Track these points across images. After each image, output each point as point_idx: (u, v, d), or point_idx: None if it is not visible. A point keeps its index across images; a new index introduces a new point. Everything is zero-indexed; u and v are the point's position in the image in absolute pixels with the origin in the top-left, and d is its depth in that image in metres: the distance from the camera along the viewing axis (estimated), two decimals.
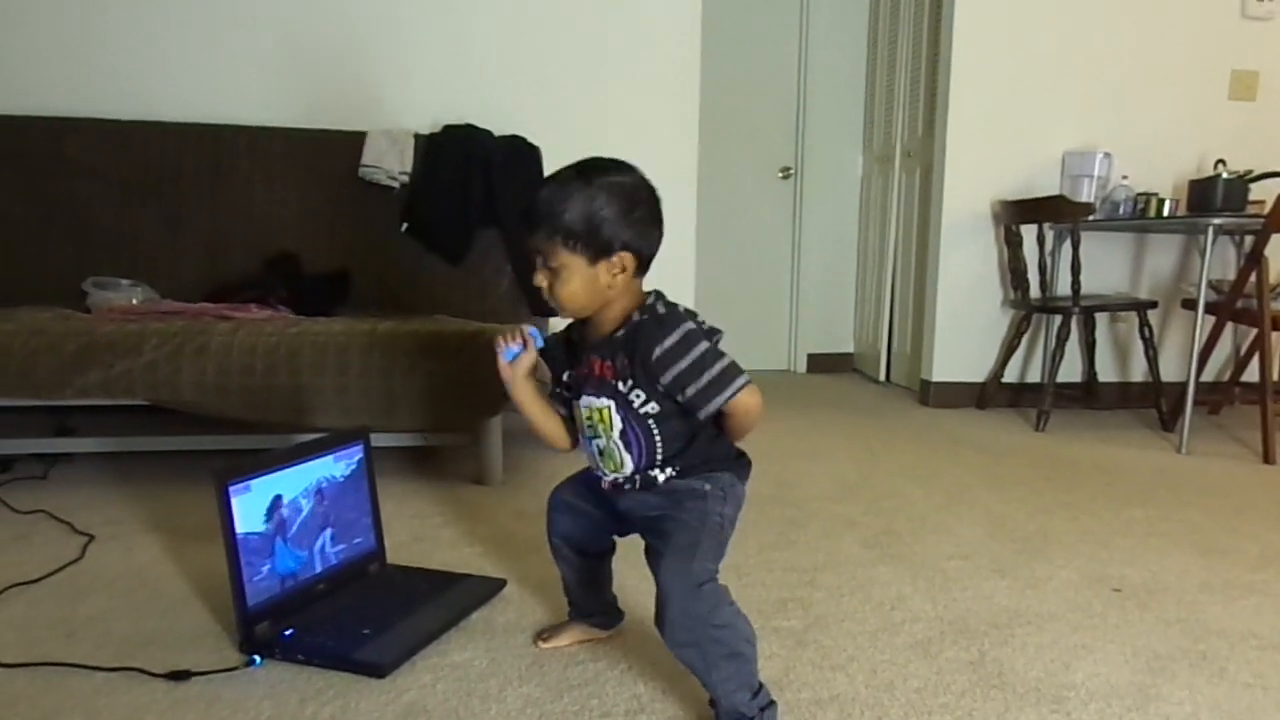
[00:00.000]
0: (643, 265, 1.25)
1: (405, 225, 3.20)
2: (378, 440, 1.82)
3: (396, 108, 3.44)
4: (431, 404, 2.33)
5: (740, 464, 1.32)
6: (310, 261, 3.11)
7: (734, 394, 1.20)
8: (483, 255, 3.21)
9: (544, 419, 1.41)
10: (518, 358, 1.35)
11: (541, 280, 1.25)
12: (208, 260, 3.11)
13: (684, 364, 1.19)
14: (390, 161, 3.22)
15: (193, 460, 2.52)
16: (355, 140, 3.22)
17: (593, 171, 1.21)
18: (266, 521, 1.48)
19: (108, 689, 1.33)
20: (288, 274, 3.03)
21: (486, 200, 3.18)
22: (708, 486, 1.26)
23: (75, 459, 2.62)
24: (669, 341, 1.19)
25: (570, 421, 1.40)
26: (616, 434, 1.28)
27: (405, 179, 3.22)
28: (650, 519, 1.28)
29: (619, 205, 1.20)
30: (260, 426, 2.35)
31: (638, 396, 1.24)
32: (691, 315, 1.25)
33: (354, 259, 3.16)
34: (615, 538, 1.47)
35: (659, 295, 1.27)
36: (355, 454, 1.70)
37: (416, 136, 3.27)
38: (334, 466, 1.64)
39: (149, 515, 2.17)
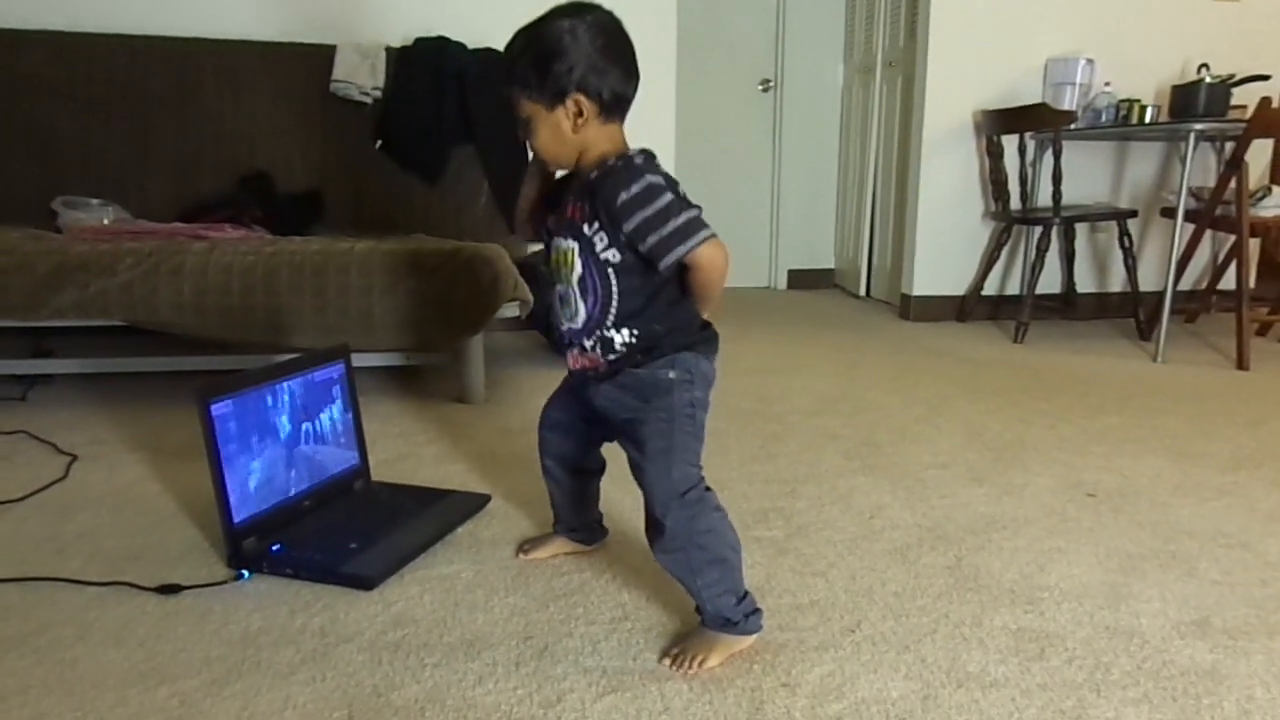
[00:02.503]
0: (607, 109, 1.20)
1: (379, 143, 3.13)
2: (359, 360, 1.81)
3: (367, 20, 3.33)
4: (411, 323, 2.32)
5: (705, 337, 1.28)
6: (283, 180, 3.05)
7: (696, 244, 1.16)
8: (459, 173, 3.16)
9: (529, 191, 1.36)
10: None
11: (521, 133, 1.24)
12: (178, 179, 3.04)
13: (647, 211, 1.15)
14: (362, 76, 3.13)
15: (173, 381, 2.51)
16: (325, 54, 3.13)
17: (548, 15, 1.18)
18: (250, 438, 1.48)
19: (99, 602, 1.35)
20: (261, 193, 2.98)
21: (461, 116, 3.12)
22: (672, 374, 1.23)
23: (54, 380, 2.60)
24: (635, 188, 1.16)
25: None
26: (575, 278, 1.24)
27: (378, 94, 3.14)
28: (624, 423, 1.27)
29: (569, 45, 1.16)
30: (239, 346, 2.33)
31: (600, 239, 1.20)
32: (673, 182, 1.20)
33: (328, 177, 3.11)
34: (604, 458, 1.48)
35: (646, 152, 1.22)
36: (336, 372, 1.69)
37: (388, 50, 3.18)
38: (315, 384, 1.64)
39: (131, 435, 2.16)
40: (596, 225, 1.20)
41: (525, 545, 1.56)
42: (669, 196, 1.16)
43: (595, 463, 1.50)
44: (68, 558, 1.50)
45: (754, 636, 1.25)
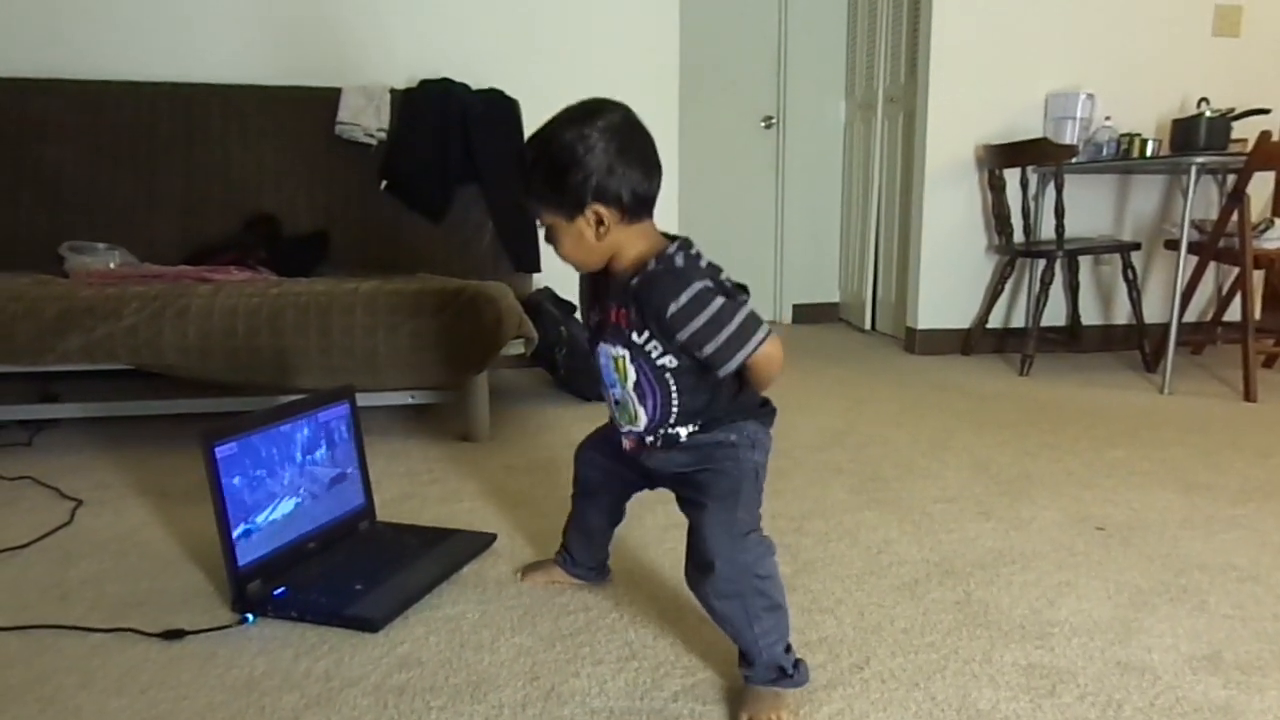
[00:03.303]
0: (631, 211, 1.16)
1: (384, 183, 3.16)
2: (364, 400, 1.82)
3: (372, 63, 3.39)
4: (416, 362, 2.33)
5: (764, 412, 1.28)
6: (289, 222, 3.08)
7: (755, 348, 1.14)
8: (463, 212, 3.18)
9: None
10: None
11: (548, 240, 1.22)
12: (184, 223, 3.07)
13: (699, 322, 1.12)
14: (367, 118, 3.17)
15: (178, 424, 2.51)
16: (330, 97, 3.17)
17: (557, 124, 1.15)
18: (254, 481, 1.48)
19: (102, 649, 1.34)
20: (267, 235, 3.01)
21: (465, 156, 3.15)
22: (734, 437, 1.23)
23: (60, 424, 2.61)
24: (684, 299, 1.12)
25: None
26: (631, 385, 1.23)
27: (383, 136, 3.18)
28: (681, 475, 1.25)
29: (582, 156, 1.12)
30: (244, 388, 2.34)
31: (655, 348, 1.18)
32: (714, 271, 1.18)
33: (333, 218, 3.14)
34: (629, 499, 1.48)
35: (684, 245, 1.18)
36: (342, 412, 1.69)
37: (393, 92, 3.22)
38: (320, 424, 1.64)
39: (137, 479, 2.16)
40: (647, 335, 1.18)
41: (525, 569, 1.58)
42: (719, 301, 1.13)
43: (621, 513, 1.50)
44: (71, 604, 1.50)
45: (804, 688, 1.22)
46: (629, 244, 1.18)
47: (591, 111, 1.15)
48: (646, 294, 1.15)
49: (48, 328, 2.22)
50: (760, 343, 1.14)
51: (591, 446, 1.46)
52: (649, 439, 1.26)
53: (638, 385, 1.22)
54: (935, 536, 1.80)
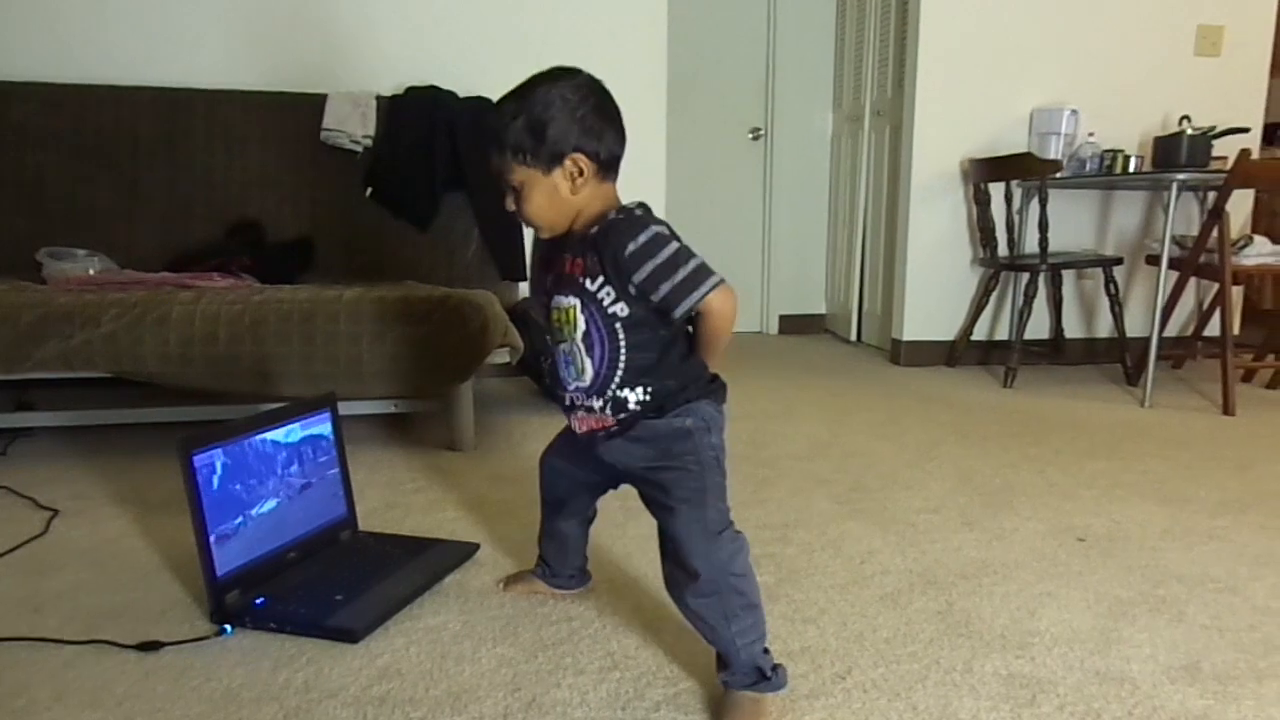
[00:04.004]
0: (604, 167, 1.20)
1: (370, 190, 3.16)
2: (348, 408, 1.81)
3: (358, 69, 3.38)
4: (400, 370, 2.32)
5: (715, 387, 1.28)
6: (273, 228, 3.06)
7: (709, 290, 1.15)
8: (450, 220, 3.18)
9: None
10: None
11: (510, 203, 1.22)
12: (166, 229, 3.05)
13: (658, 260, 1.14)
14: (353, 125, 3.16)
15: (157, 432, 2.49)
16: (316, 103, 3.16)
17: (533, 81, 1.19)
18: (234, 490, 1.47)
19: (77, 662, 1.32)
20: (250, 242, 2.99)
21: (452, 163, 3.14)
22: (689, 422, 1.21)
23: (36, 433, 2.58)
24: (641, 238, 1.15)
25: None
26: (579, 335, 1.21)
27: (369, 143, 3.17)
28: (643, 471, 1.24)
29: (562, 108, 1.16)
30: (225, 396, 2.32)
31: (607, 295, 1.18)
32: (673, 232, 1.20)
33: (318, 225, 3.12)
34: (598, 505, 1.48)
35: (643, 204, 1.22)
36: (323, 420, 1.68)
37: (379, 99, 3.22)
38: (301, 434, 1.63)
39: (114, 489, 2.14)
40: (601, 280, 1.18)
41: (506, 579, 1.58)
42: (675, 244, 1.16)
43: (590, 512, 1.50)
44: (45, 616, 1.48)
45: (783, 693, 1.21)
46: (594, 201, 1.21)
47: (566, 71, 1.20)
48: (605, 237, 1.17)
49: (24, 334, 2.19)
50: (714, 286, 1.16)
51: (553, 454, 1.45)
52: (599, 405, 1.24)
53: (586, 335, 1.21)
54: (918, 547, 1.80)
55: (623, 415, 1.24)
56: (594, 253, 1.18)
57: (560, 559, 1.53)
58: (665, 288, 1.15)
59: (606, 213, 1.20)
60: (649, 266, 1.15)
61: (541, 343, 1.33)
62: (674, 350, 1.23)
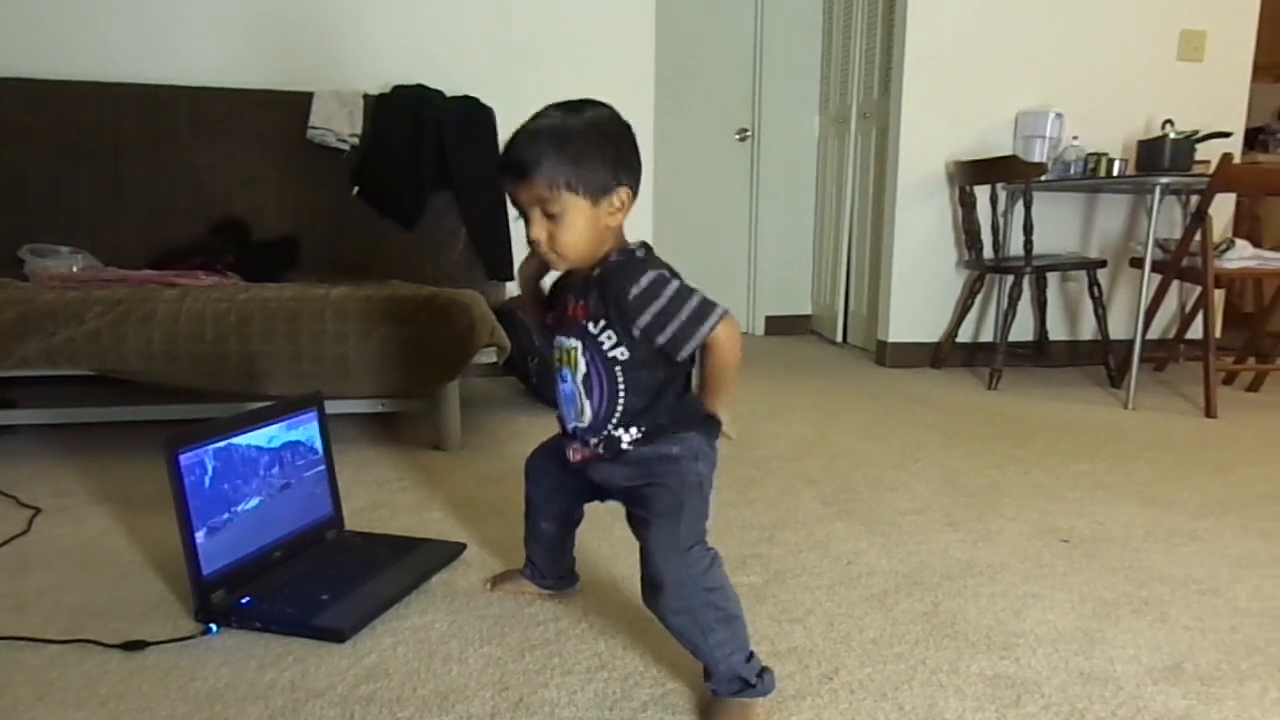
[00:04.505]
0: (633, 199, 1.21)
1: (356, 189, 3.14)
2: (334, 407, 1.80)
3: (345, 67, 3.37)
4: (386, 370, 2.31)
5: (709, 424, 1.27)
6: (258, 227, 3.05)
7: (714, 324, 1.15)
8: (436, 219, 3.17)
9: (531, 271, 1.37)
10: None
11: (540, 232, 1.17)
12: (150, 226, 3.03)
13: (661, 301, 1.14)
14: (339, 123, 3.15)
15: (141, 431, 2.47)
16: (302, 101, 3.15)
17: (575, 109, 1.17)
18: (219, 488, 1.46)
19: (60, 661, 1.31)
20: (235, 240, 2.97)
21: (439, 163, 3.14)
22: (675, 449, 1.22)
23: (18, 431, 2.56)
24: (644, 281, 1.15)
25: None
26: (580, 377, 1.23)
27: (355, 141, 3.16)
28: (628, 489, 1.25)
29: (610, 140, 1.17)
30: (210, 395, 2.31)
31: (608, 338, 1.19)
32: (673, 272, 1.21)
33: (303, 223, 3.11)
34: (585, 507, 1.48)
35: (644, 245, 1.23)
36: (309, 419, 1.68)
37: (366, 97, 3.21)
38: (287, 433, 1.62)
39: (98, 487, 2.13)
40: (603, 324, 1.19)
41: (494, 579, 1.58)
42: (676, 284, 1.16)
43: (577, 515, 1.50)
44: (28, 615, 1.46)
45: (770, 696, 1.21)
46: (611, 238, 1.21)
47: (598, 103, 1.19)
48: (608, 280, 1.18)
49: (6, 331, 2.17)
50: (718, 320, 1.16)
51: (541, 457, 1.45)
52: (594, 442, 1.27)
53: (586, 378, 1.23)
54: (905, 547, 1.81)
55: (615, 453, 1.26)
56: (597, 295, 1.19)
57: (548, 560, 1.52)
58: (671, 329, 1.15)
59: (610, 253, 1.21)
60: (652, 309, 1.15)
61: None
62: (670, 390, 1.24)
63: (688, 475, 1.22)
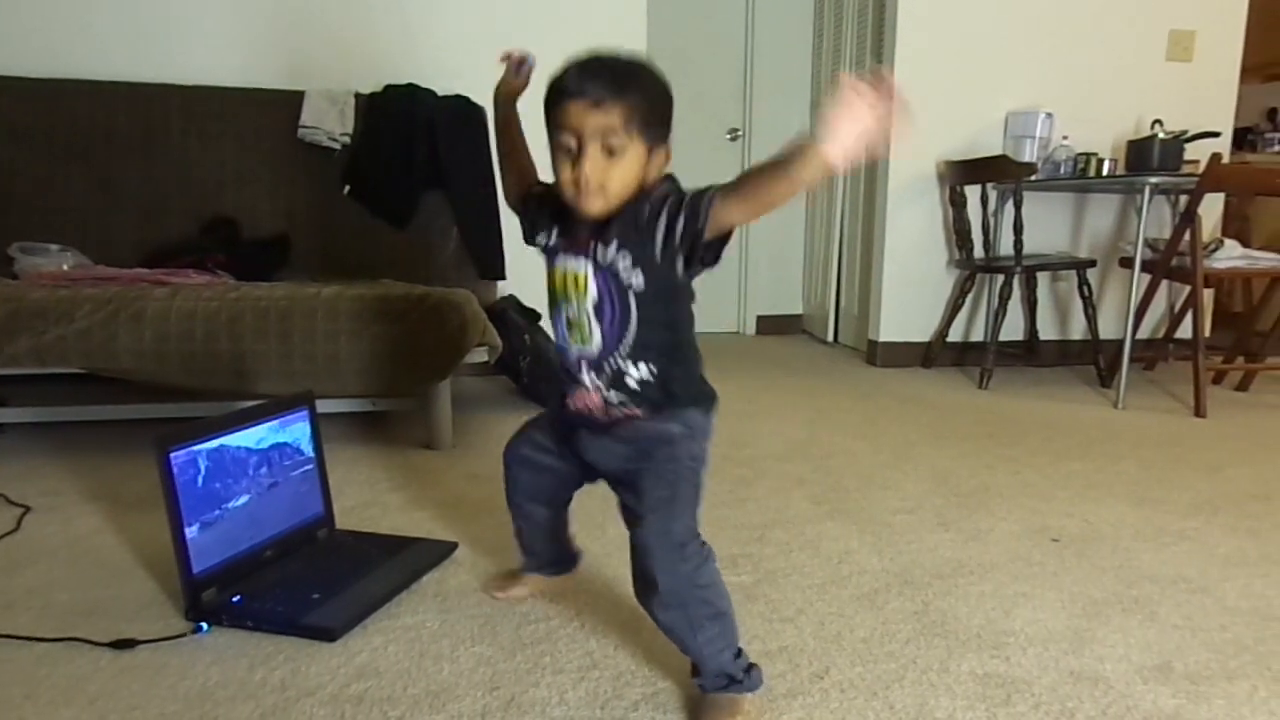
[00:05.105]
0: None
1: (347, 188, 3.14)
2: (325, 406, 1.79)
3: (337, 66, 3.36)
4: (378, 369, 2.31)
5: (707, 393, 1.26)
6: (250, 225, 3.04)
7: (714, 189, 1.10)
8: (428, 218, 3.16)
9: (517, 152, 1.35)
10: (522, 72, 1.32)
11: (595, 166, 1.11)
12: (141, 225, 3.02)
13: (671, 200, 1.13)
14: (330, 122, 3.14)
15: (132, 429, 2.46)
16: (294, 100, 3.14)
17: (639, 61, 1.16)
18: (210, 487, 1.46)
19: (49, 659, 1.31)
20: (226, 238, 2.96)
21: (431, 162, 3.13)
22: (675, 428, 1.21)
23: (7, 429, 2.55)
24: (661, 190, 1.15)
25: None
26: (590, 303, 1.18)
27: (346, 140, 3.16)
28: (621, 473, 1.23)
29: (669, 98, 1.16)
30: (201, 394, 2.30)
31: (623, 258, 1.15)
32: None
33: (294, 222, 3.10)
34: (572, 492, 1.45)
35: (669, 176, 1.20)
36: (300, 418, 1.67)
37: (357, 96, 3.20)
38: (278, 432, 1.62)
39: (88, 485, 2.12)
40: (616, 244, 1.15)
41: (496, 584, 1.55)
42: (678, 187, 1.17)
43: (568, 496, 1.47)
44: (17, 613, 1.46)
45: (758, 693, 1.21)
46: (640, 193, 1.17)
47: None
48: (622, 208, 1.15)
49: None
50: (719, 187, 1.11)
51: (524, 445, 1.40)
52: (598, 378, 1.21)
53: (598, 304, 1.18)
54: (895, 547, 1.81)
55: (619, 398, 1.21)
56: (618, 224, 1.15)
57: (546, 544, 1.50)
58: (684, 213, 1.11)
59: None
60: (666, 210, 1.13)
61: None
62: (684, 336, 1.23)
63: (683, 461, 1.20)
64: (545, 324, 2.46)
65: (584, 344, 1.21)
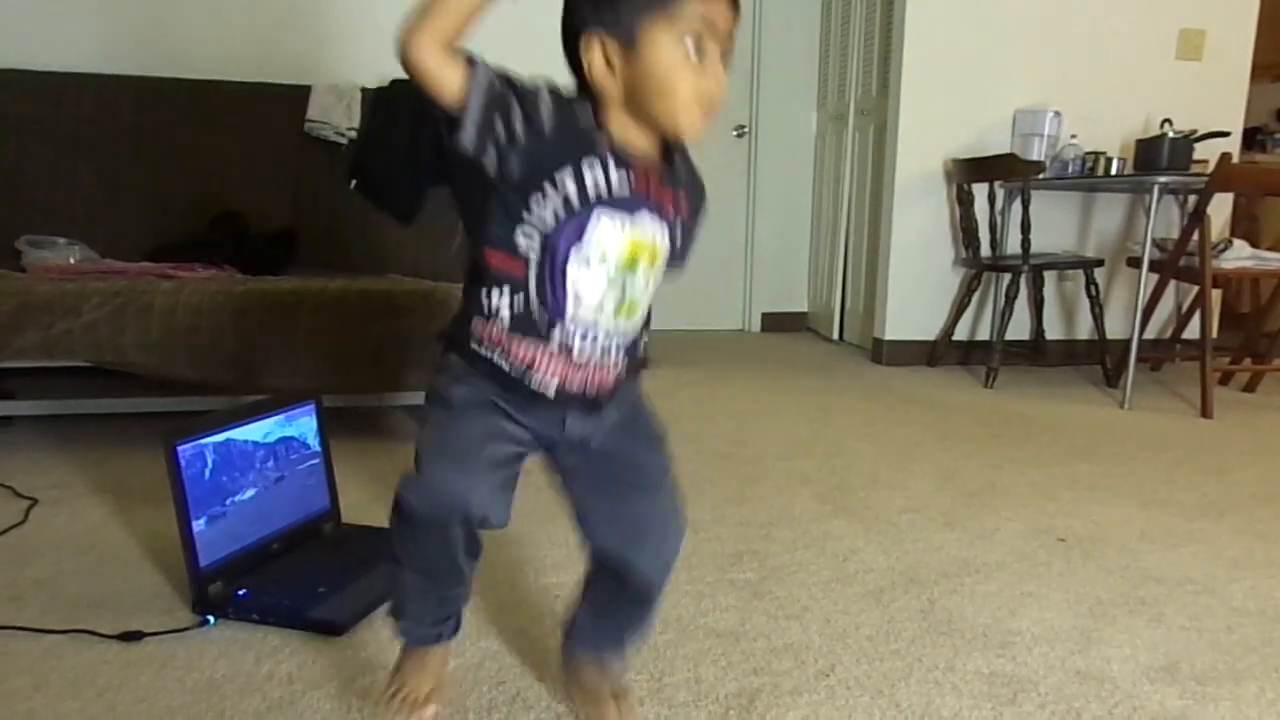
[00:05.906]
0: None
1: (354, 183, 3.13)
2: (331, 401, 1.79)
3: (343, 60, 3.35)
4: (384, 364, 2.31)
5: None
6: (256, 220, 3.04)
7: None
8: (434, 214, 3.15)
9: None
10: None
11: (720, 63, 0.91)
12: (149, 219, 3.02)
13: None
14: (337, 117, 3.14)
15: (139, 422, 2.47)
16: (300, 95, 3.14)
17: None
18: (217, 481, 1.46)
19: (56, 651, 1.31)
20: (233, 233, 2.96)
21: (437, 157, 3.13)
22: (639, 389, 1.08)
23: (15, 422, 2.55)
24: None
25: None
26: (658, 273, 0.98)
27: (353, 134, 3.16)
28: (610, 452, 1.03)
29: None
30: (208, 388, 2.31)
31: (679, 235, 0.99)
32: None
33: (301, 217, 3.10)
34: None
35: None
36: (307, 413, 1.68)
37: (364, 90, 3.20)
38: (285, 426, 1.62)
39: (95, 478, 2.12)
40: (684, 191, 1.01)
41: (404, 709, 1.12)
42: None
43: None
44: (24, 605, 1.46)
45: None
46: None
47: None
48: (693, 179, 1.03)
49: (3, 323, 2.16)
50: None
51: (474, 486, 0.99)
52: (621, 355, 1.00)
53: (657, 275, 0.99)
54: (901, 546, 1.81)
55: (625, 366, 1.02)
56: (685, 195, 1.01)
57: (467, 586, 1.13)
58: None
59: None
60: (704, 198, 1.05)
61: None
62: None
63: (653, 416, 1.08)
64: None
65: (630, 317, 0.98)
